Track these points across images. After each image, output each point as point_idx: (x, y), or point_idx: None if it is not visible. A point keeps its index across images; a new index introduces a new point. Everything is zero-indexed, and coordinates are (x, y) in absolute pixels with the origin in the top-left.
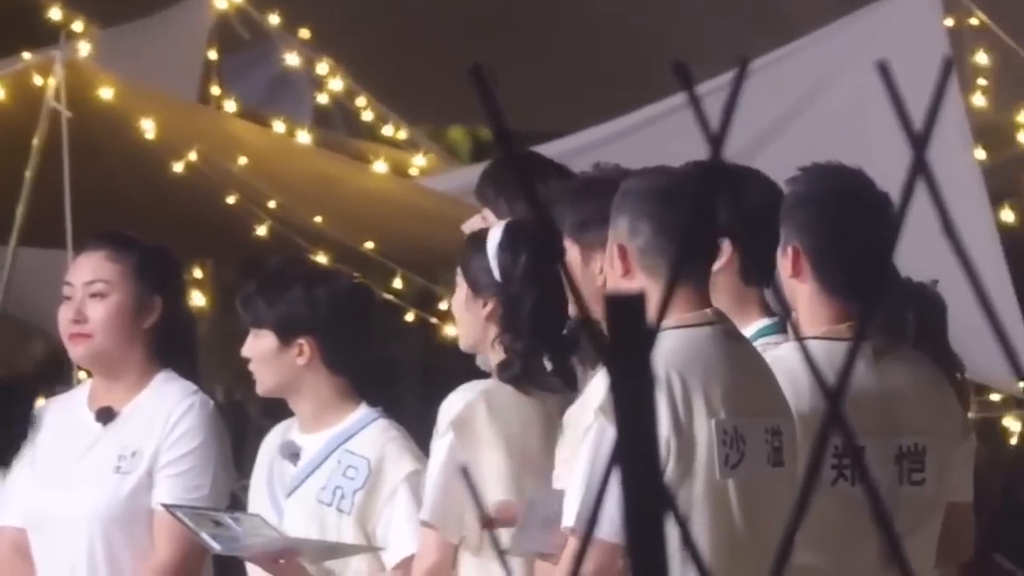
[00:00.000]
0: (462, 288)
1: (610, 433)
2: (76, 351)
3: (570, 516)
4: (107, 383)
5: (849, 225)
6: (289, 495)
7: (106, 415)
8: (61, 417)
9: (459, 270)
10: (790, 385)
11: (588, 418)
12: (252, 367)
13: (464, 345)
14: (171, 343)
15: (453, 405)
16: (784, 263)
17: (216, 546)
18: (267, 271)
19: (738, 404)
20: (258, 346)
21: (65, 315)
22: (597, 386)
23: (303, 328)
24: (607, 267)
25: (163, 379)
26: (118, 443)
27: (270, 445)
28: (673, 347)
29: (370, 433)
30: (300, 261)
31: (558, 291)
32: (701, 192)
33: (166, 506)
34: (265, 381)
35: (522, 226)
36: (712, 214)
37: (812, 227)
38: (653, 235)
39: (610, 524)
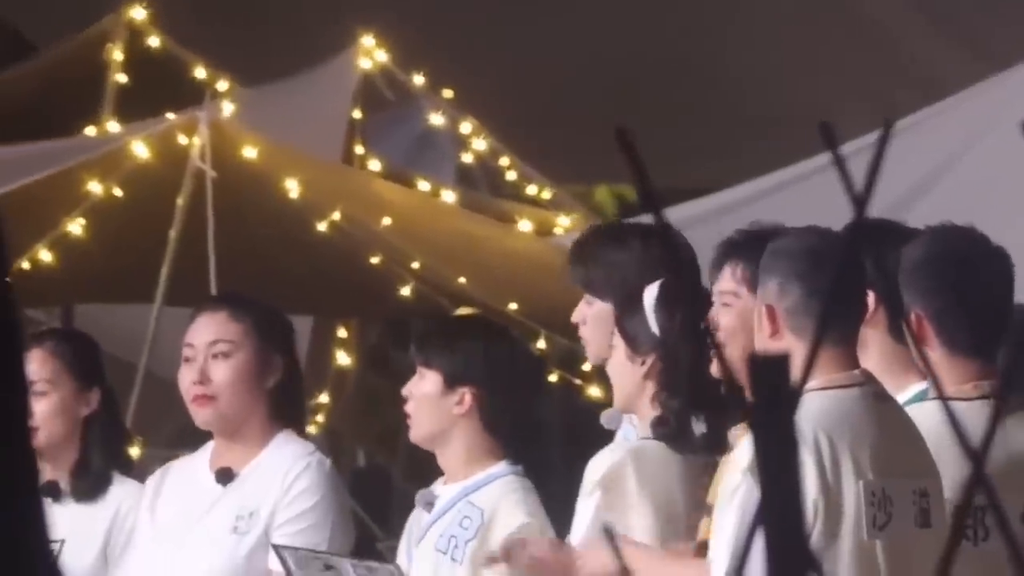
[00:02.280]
0: (620, 348)
1: (758, 494)
2: (200, 413)
3: None
4: (228, 444)
5: (966, 286)
6: (419, 543)
7: (226, 476)
8: (182, 478)
9: (616, 331)
10: (934, 445)
11: (736, 478)
12: (410, 408)
13: (618, 405)
14: (290, 403)
15: (600, 464)
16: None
17: None
18: (450, 318)
19: (886, 466)
20: (421, 387)
21: (188, 377)
22: (745, 445)
23: (470, 378)
24: (755, 328)
25: (282, 439)
26: (236, 503)
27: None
28: (821, 408)
29: (495, 486)
30: (485, 319)
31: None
32: (847, 253)
33: (275, 546)
34: (420, 425)
35: (678, 285)
36: (860, 276)
37: (930, 292)
38: (803, 296)
39: None
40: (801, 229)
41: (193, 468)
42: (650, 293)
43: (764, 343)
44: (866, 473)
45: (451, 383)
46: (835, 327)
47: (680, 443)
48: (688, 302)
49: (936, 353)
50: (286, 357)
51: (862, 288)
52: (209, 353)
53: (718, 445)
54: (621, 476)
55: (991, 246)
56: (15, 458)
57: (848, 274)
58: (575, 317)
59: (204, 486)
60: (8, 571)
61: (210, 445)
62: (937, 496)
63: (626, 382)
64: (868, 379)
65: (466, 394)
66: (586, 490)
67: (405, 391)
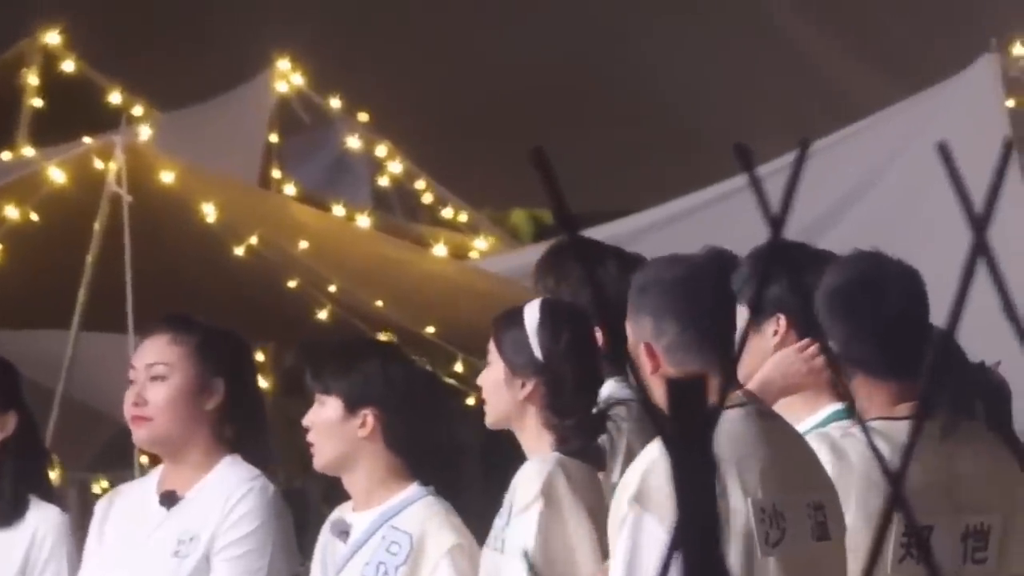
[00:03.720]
0: (497, 366)
1: (648, 522)
2: (138, 434)
3: None
4: (173, 467)
5: (873, 310)
6: (338, 573)
7: (169, 499)
8: (130, 502)
9: (493, 348)
10: (865, 467)
11: (622, 508)
12: (312, 437)
13: (491, 422)
14: (238, 426)
15: (534, 475)
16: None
17: None
18: (343, 342)
19: (776, 483)
20: (322, 414)
21: (128, 398)
22: (630, 475)
23: (371, 400)
24: (638, 363)
25: (228, 463)
26: (179, 527)
27: (327, 526)
28: None
29: (415, 509)
30: (377, 339)
31: (595, 370)
32: (763, 275)
33: None
34: (324, 452)
35: (558, 304)
36: (733, 298)
37: (839, 320)
38: (679, 332)
39: None
40: (664, 260)
41: (141, 491)
42: (531, 313)
43: (648, 379)
44: (755, 492)
45: (352, 407)
46: (716, 352)
47: (584, 457)
48: (576, 320)
49: (857, 380)
50: (231, 380)
51: (735, 310)
52: (147, 375)
53: (598, 461)
54: (556, 487)
55: (898, 267)
56: None
57: (725, 299)
58: None
59: (149, 509)
60: None
61: (159, 468)
62: (834, 508)
63: (500, 401)
64: (751, 399)
65: (368, 416)
66: (523, 502)
67: (306, 421)
